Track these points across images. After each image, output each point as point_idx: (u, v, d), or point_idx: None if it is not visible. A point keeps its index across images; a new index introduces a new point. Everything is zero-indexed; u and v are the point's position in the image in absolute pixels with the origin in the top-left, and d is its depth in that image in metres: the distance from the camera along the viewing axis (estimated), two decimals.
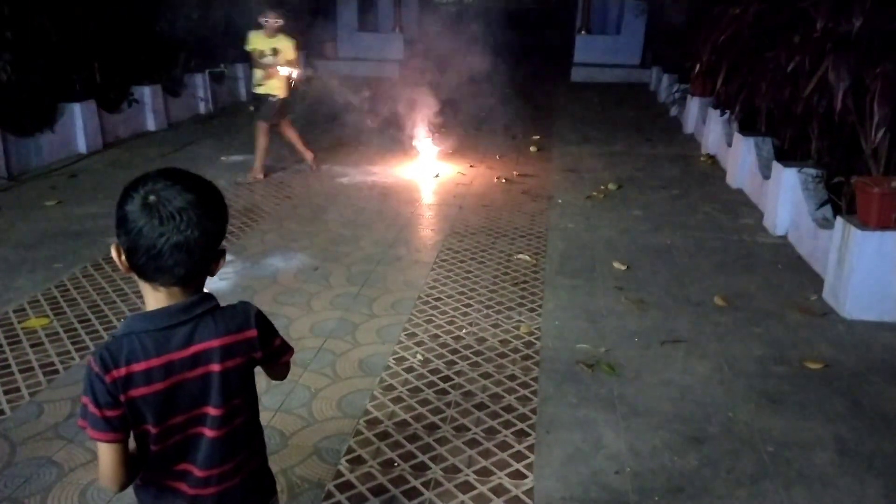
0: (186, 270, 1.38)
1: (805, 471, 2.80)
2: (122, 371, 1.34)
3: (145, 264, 1.37)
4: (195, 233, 1.35)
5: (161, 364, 1.37)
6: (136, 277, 1.41)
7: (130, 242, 1.35)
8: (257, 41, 6.85)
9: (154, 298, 1.40)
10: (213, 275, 1.46)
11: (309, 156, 7.41)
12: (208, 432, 1.45)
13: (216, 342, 1.42)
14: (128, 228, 1.35)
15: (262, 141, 7.06)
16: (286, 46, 6.88)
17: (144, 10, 9.04)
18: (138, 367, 1.35)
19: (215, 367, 1.42)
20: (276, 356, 1.57)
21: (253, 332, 1.48)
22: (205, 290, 1.47)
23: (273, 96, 6.94)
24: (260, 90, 6.98)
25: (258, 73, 6.91)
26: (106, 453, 1.38)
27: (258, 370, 1.58)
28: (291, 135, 7.37)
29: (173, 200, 1.34)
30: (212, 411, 1.44)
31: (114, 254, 1.40)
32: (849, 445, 2.95)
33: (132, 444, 1.43)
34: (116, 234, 1.39)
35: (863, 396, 3.31)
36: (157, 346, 1.37)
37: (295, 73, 7.02)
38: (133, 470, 1.43)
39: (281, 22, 6.85)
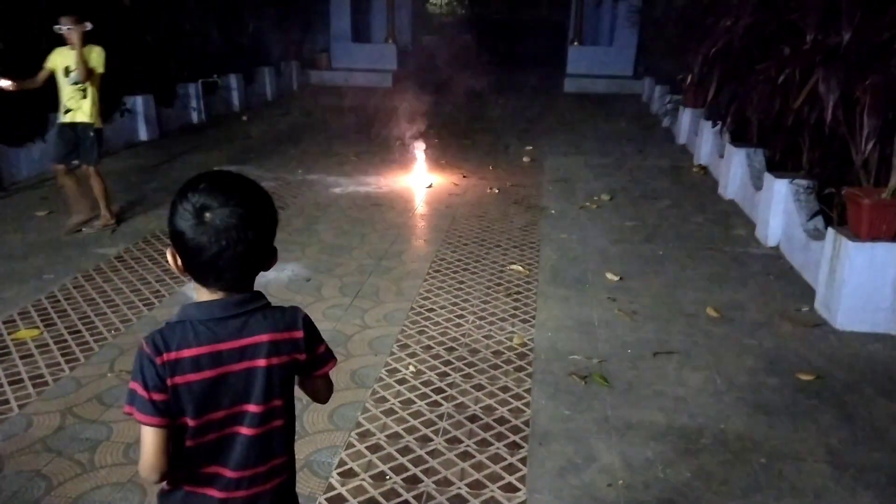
0: (241, 277, 1.44)
1: (797, 483, 2.80)
2: (173, 355, 1.37)
3: (201, 273, 1.41)
4: (249, 245, 1.39)
5: (210, 352, 1.39)
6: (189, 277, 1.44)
7: (185, 256, 1.39)
8: (57, 57, 5.43)
9: (206, 294, 1.44)
10: (267, 270, 1.50)
11: (106, 216, 5.77)
12: (245, 430, 1.45)
13: (265, 337, 1.44)
14: (182, 244, 1.38)
15: (97, 185, 5.69)
16: (94, 57, 5.45)
17: (137, 20, 9.04)
18: (189, 352, 1.38)
19: (261, 363, 1.44)
20: (319, 363, 1.57)
21: (300, 333, 1.50)
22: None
23: (90, 126, 5.56)
24: (67, 118, 5.51)
25: (65, 97, 5.47)
26: (150, 438, 1.38)
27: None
28: (96, 185, 5.75)
29: (227, 218, 1.36)
30: (252, 408, 1.45)
31: (170, 259, 1.43)
32: (841, 457, 2.96)
33: None
34: (171, 241, 1.41)
35: (854, 408, 3.32)
36: (209, 334, 1.40)
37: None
38: (172, 463, 1.43)
39: (80, 28, 5.32)
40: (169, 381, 1.37)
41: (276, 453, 1.52)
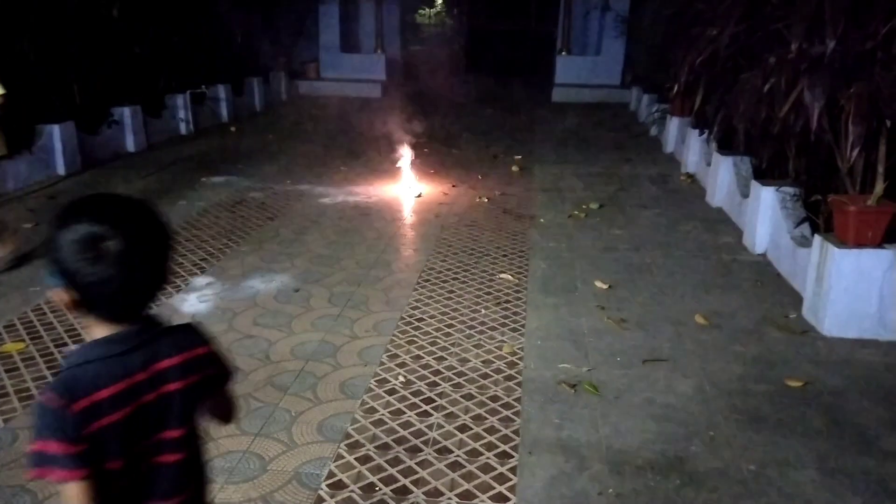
0: (145, 305, 1.37)
1: (786, 489, 2.80)
2: (87, 401, 1.28)
3: (105, 308, 1.33)
4: (146, 272, 1.33)
5: (126, 387, 1.33)
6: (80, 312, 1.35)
7: (85, 293, 1.30)
8: None
9: (103, 329, 1.36)
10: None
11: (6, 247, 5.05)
12: (169, 457, 1.41)
13: (175, 360, 1.40)
14: (79, 280, 1.28)
15: None
16: None
17: (124, 30, 9.02)
18: (105, 392, 1.30)
19: (176, 386, 1.39)
20: (225, 376, 1.54)
21: (205, 349, 1.47)
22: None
23: None
24: None
25: None
26: (77, 493, 1.28)
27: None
28: None
29: (128, 244, 1.27)
30: (172, 434, 1.40)
31: (61, 299, 1.32)
32: (829, 463, 2.96)
33: None
34: (63, 280, 1.30)
35: (842, 414, 3.33)
36: (121, 370, 1.33)
37: None
38: None
39: None
40: (88, 429, 1.27)
41: (197, 474, 1.49)
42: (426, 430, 3.17)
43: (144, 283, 1.34)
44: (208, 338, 1.49)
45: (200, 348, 1.46)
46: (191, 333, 1.47)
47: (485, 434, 3.14)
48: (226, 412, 1.60)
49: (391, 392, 3.48)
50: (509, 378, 3.62)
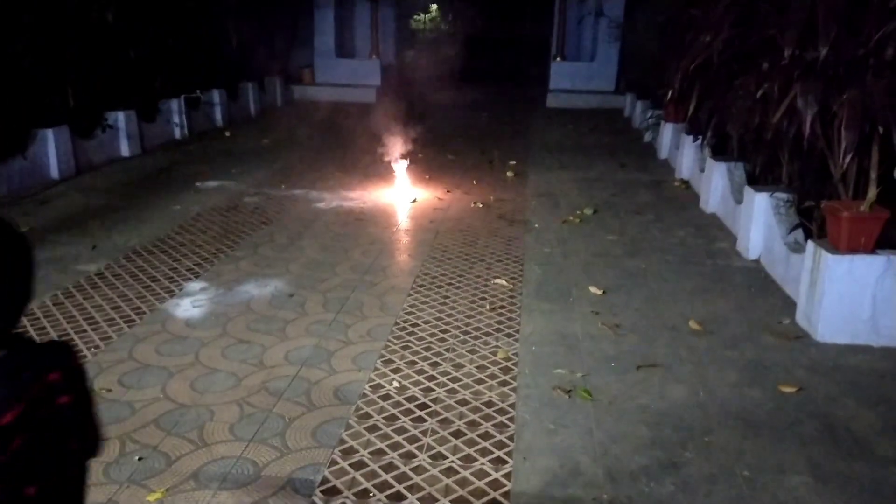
0: (9, 326, 1.31)
1: (780, 495, 2.80)
2: None
3: None
4: (10, 289, 1.28)
5: (25, 407, 1.26)
6: None
7: None
8: None
9: None
10: None
11: None
12: (75, 471, 1.36)
13: (58, 374, 1.34)
14: None
15: None
16: None
17: (119, 34, 9.01)
18: (9, 416, 1.23)
19: (66, 398, 1.34)
20: (89, 393, 1.45)
21: (77, 361, 1.41)
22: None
23: None
24: None
25: None
26: None
27: None
28: None
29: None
30: (73, 446, 1.36)
31: None
32: (823, 469, 2.97)
33: None
34: None
35: (836, 419, 3.34)
36: (13, 392, 1.26)
37: None
38: None
39: None
40: (2, 457, 1.20)
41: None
42: (420, 435, 3.16)
43: (10, 302, 1.27)
44: (75, 352, 1.43)
45: (75, 360, 1.40)
46: (61, 348, 1.41)
47: (479, 440, 3.13)
48: (92, 438, 1.49)
49: (385, 397, 3.47)
50: (504, 384, 3.62)
